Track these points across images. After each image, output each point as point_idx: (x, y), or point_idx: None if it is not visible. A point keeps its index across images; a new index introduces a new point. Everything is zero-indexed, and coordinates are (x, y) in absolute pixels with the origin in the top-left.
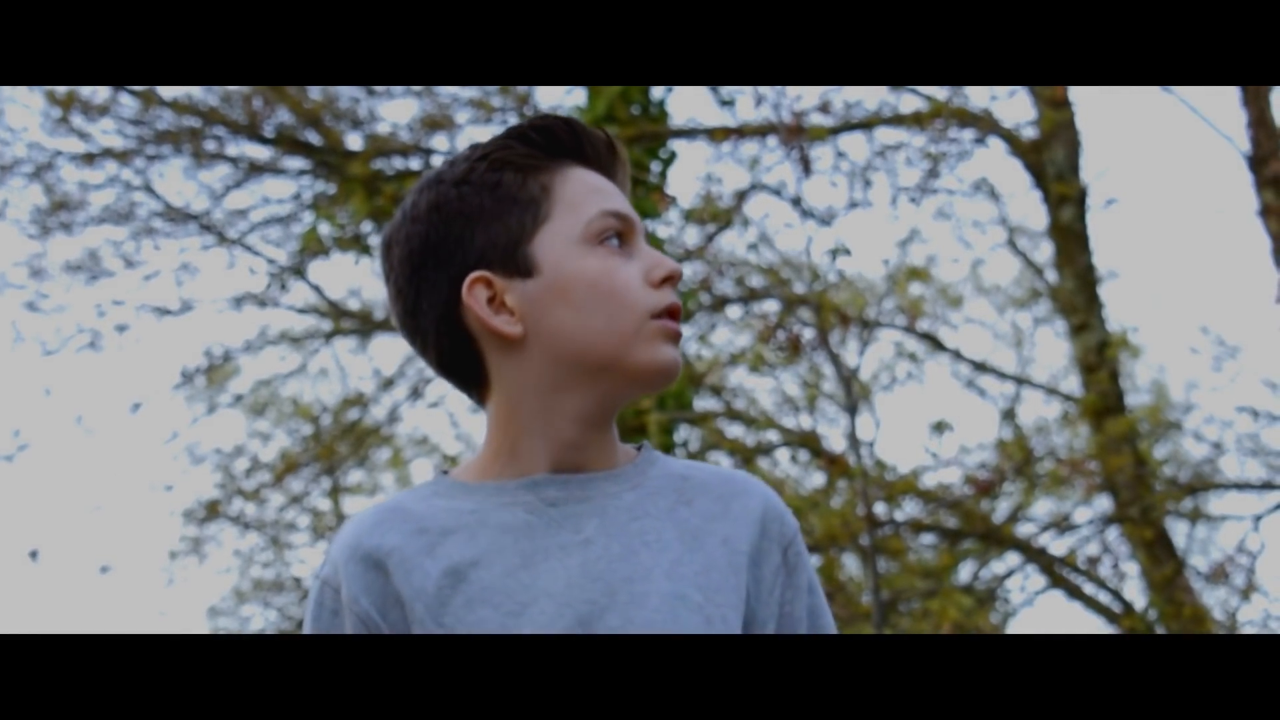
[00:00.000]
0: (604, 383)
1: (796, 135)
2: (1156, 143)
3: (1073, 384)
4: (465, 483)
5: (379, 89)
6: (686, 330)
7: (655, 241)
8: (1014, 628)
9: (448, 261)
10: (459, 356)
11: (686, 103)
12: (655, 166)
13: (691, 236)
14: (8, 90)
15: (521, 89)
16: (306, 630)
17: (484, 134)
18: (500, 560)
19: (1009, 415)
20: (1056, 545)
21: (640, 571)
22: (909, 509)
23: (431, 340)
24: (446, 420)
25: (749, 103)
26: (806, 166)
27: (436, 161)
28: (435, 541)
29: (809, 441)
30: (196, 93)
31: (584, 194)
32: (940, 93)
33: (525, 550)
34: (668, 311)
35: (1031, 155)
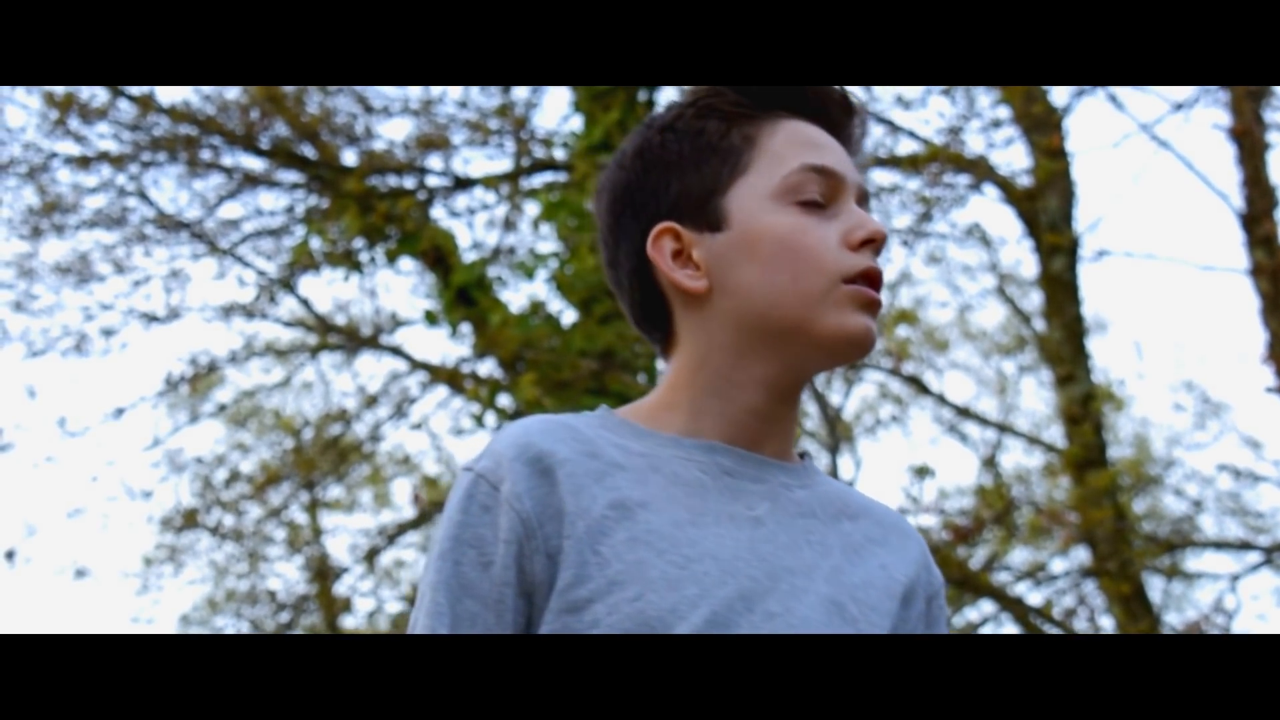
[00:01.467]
0: (790, 349)
1: None
2: (1150, 197)
3: (1055, 434)
4: (635, 425)
5: (376, 106)
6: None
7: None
8: None
9: (642, 210)
10: (651, 309)
11: None
12: None
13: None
14: (5, 90)
15: (520, 111)
16: (450, 524)
17: (478, 155)
18: (670, 509)
19: (990, 462)
20: (1033, 595)
21: (804, 567)
22: None
23: (626, 292)
24: (429, 442)
25: None
26: None
27: (431, 182)
28: (605, 470)
29: None
30: (194, 101)
31: (790, 147)
32: (937, 137)
33: (695, 507)
34: (864, 276)
35: (1025, 203)
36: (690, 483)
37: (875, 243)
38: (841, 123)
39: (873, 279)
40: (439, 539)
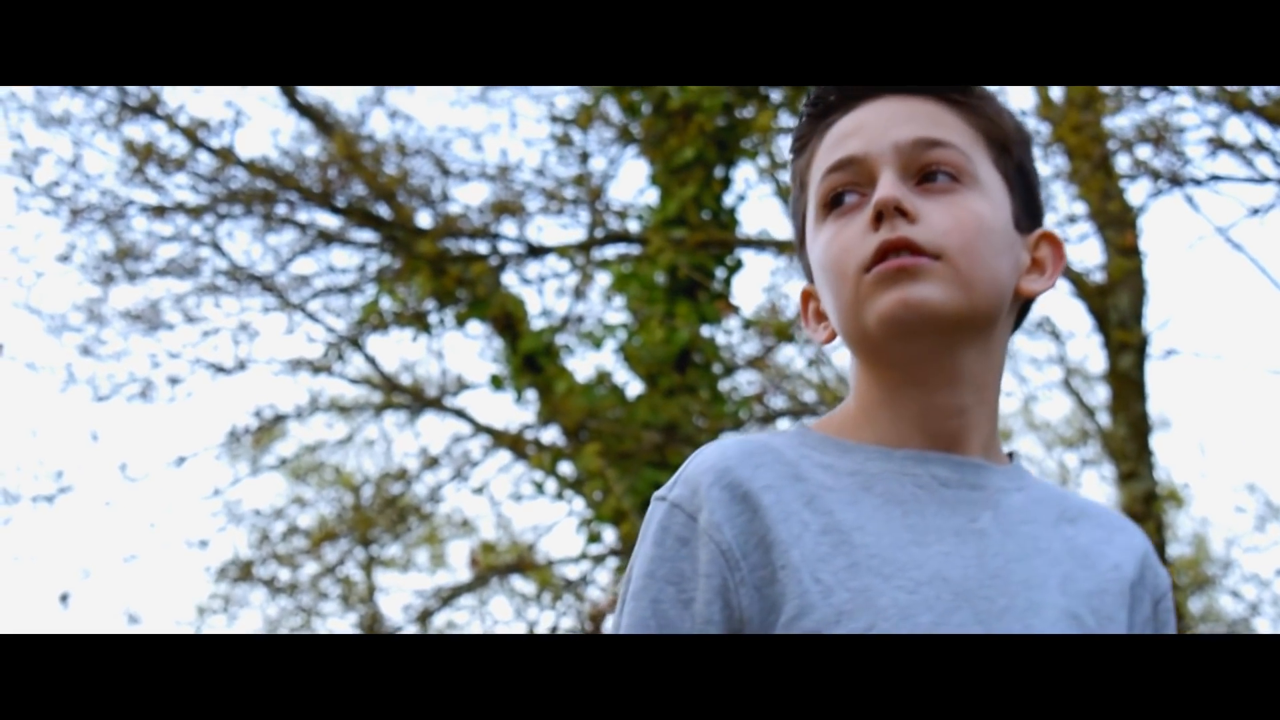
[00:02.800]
0: (878, 354)
1: None
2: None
3: None
4: (840, 440)
5: (453, 170)
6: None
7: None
8: None
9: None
10: None
11: (758, 212)
12: (720, 273)
13: (751, 347)
14: (85, 132)
15: (596, 181)
16: (645, 559)
17: (552, 223)
18: (889, 531)
19: None
20: None
21: (1037, 578)
22: None
23: None
24: (488, 506)
25: None
26: None
27: (504, 248)
28: (813, 493)
29: None
30: (273, 156)
31: (823, 158)
32: None
33: (916, 526)
34: (878, 255)
35: (1096, 299)
36: (907, 499)
37: (883, 213)
38: (870, 98)
39: (887, 250)
40: (634, 576)
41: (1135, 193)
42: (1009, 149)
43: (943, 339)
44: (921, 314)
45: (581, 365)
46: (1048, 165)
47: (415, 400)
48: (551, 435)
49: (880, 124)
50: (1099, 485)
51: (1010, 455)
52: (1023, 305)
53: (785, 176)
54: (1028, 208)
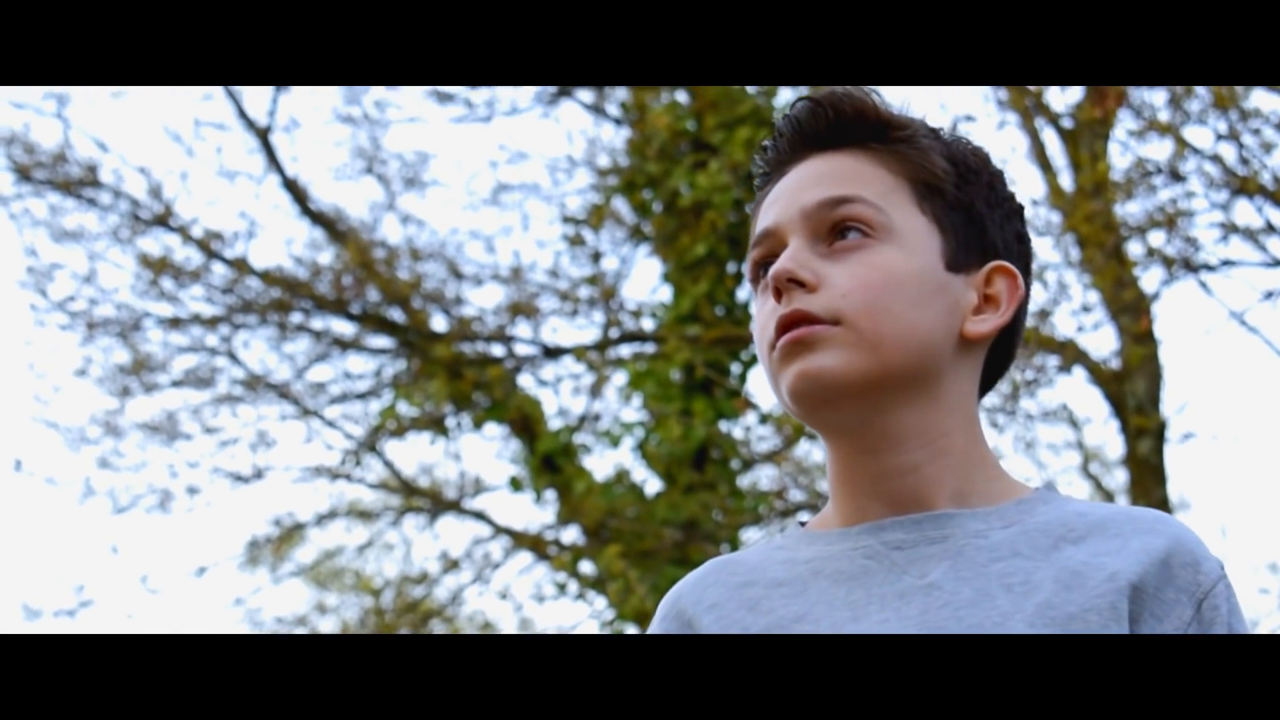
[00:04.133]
0: (817, 431)
1: None
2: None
3: None
4: (811, 531)
5: (467, 273)
6: (755, 534)
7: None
8: None
9: None
10: None
11: None
12: (736, 369)
13: (769, 442)
14: (100, 246)
15: (609, 281)
16: None
17: (567, 324)
18: (829, 613)
19: None
20: None
21: (994, 618)
22: None
23: None
24: (510, 608)
25: None
26: None
27: (519, 350)
28: (761, 596)
29: None
30: (286, 265)
31: (755, 229)
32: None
33: (857, 600)
34: (780, 329)
35: (1112, 385)
36: (854, 575)
37: (777, 287)
38: (798, 153)
39: (785, 325)
40: None
41: (1149, 279)
42: (939, 188)
43: (863, 404)
44: (821, 384)
45: (600, 464)
46: (1057, 253)
47: (434, 503)
48: (572, 535)
49: (793, 190)
50: None
51: (1043, 486)
52: (998, 344)
53: None
54: (969, 245)
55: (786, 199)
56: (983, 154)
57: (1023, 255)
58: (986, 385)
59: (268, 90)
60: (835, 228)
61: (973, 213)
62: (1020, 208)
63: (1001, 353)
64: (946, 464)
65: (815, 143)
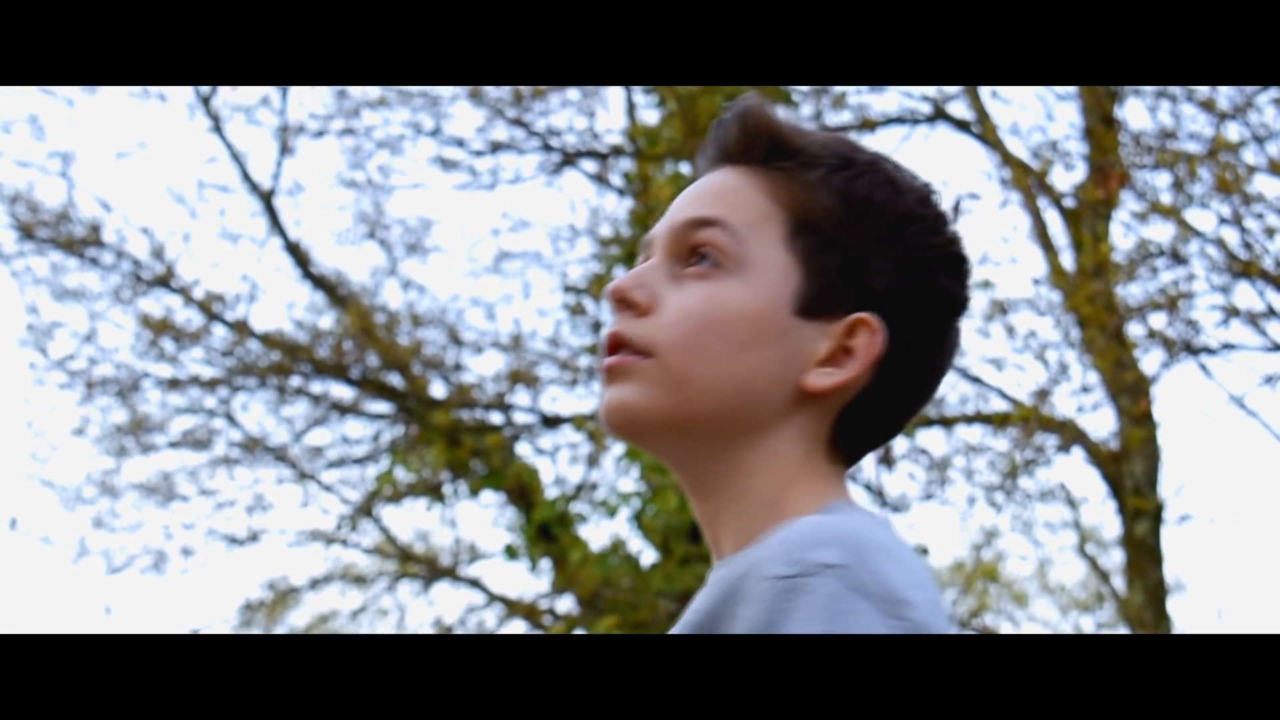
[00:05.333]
0: None
1: None
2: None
3: None
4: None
5: (467, 340)
6: None
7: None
8: None
9: None
10: None
11: None
12: None
13: None
14: (101, 306)
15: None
16: None
17: (563, 394)
18: None
19: None
20: None
21: None
22: None
23: None
24: None
25: None
26: (889, 460)
27: (518, 418)
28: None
29: None
30: (287, 328)
31: None
32: (1026, 398)
33: None
34: (605, 352)
35: (1110, 466)
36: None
37: (612, 305)
38: (718, 155)
39: (607, 348)
40: None
41: (1149, 361)
42: (816, 225)
43: (669, 444)
44: (618, 419)
45: (596, 534)
46: (1057, 333)
47: (429, 570)
48: (566, 604)
49: (678, 203)
50: None
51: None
52: (865, 403)
53: None
54: (836, 290)
55: (671, 210)
56: (906, 194)
57: (930, 310)
58: (861, 444)
59: (271, 154)
60: (692, 250)
61: (851, 256)
62: (951, 258)
63: (872, 412)
64: (740, 510)
65: (725, 155)
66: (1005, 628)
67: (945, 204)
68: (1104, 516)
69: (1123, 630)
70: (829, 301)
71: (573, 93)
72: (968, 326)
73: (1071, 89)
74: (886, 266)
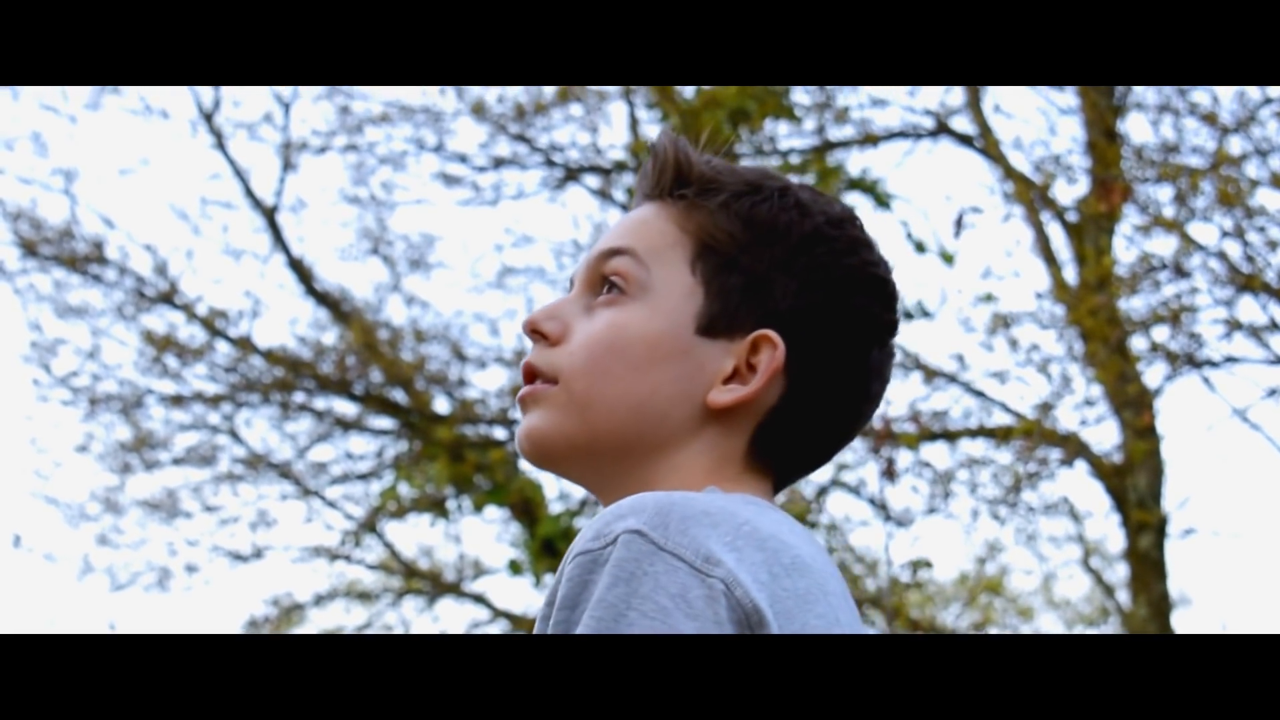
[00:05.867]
0: None
1: (886, 441)
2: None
3: None
4: None
5: (470, 355)
6: None
7: None
8: None
9: None
10: None
11: None
12: None
13: None
14: (104, 323)
15: None
16: None
17: None
18: None
19: None
20: None
21: None
22: None
23: None
24: None
25: None
26: (891, 474)
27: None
28: None
29: None
30: (290, 345)
31: None
32: (1030, 412)
33: None
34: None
35: (1114, 479)
36: None
37: (528, 335)
38: (642, 190)
39: (523, 378)
40: None
41: (1152, 375)
42: (718, 248)
43: (581, 467)
44: (529, 445)
45: None
46: (1060, 346)
47: (433, 586)
48: None
49: (601, 237)
50: None
51: None
52: (780, 418)
53: None
54: (740, 310)
55: (593, 245)
56: (814, 216)
57: (840, 328)
58: (785, 462)
59: (274, 170)
60: (603, 280)
61: (754, 276)
62: (867, 280)
63: (790, 429)
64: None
65: (643, 191)
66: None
67: (866, 230)
68: (1108, 530)
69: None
70: (732, 321)
71: (575, 108)
72: (971, 341)
73: (1074, 103)
74: (790, 286)
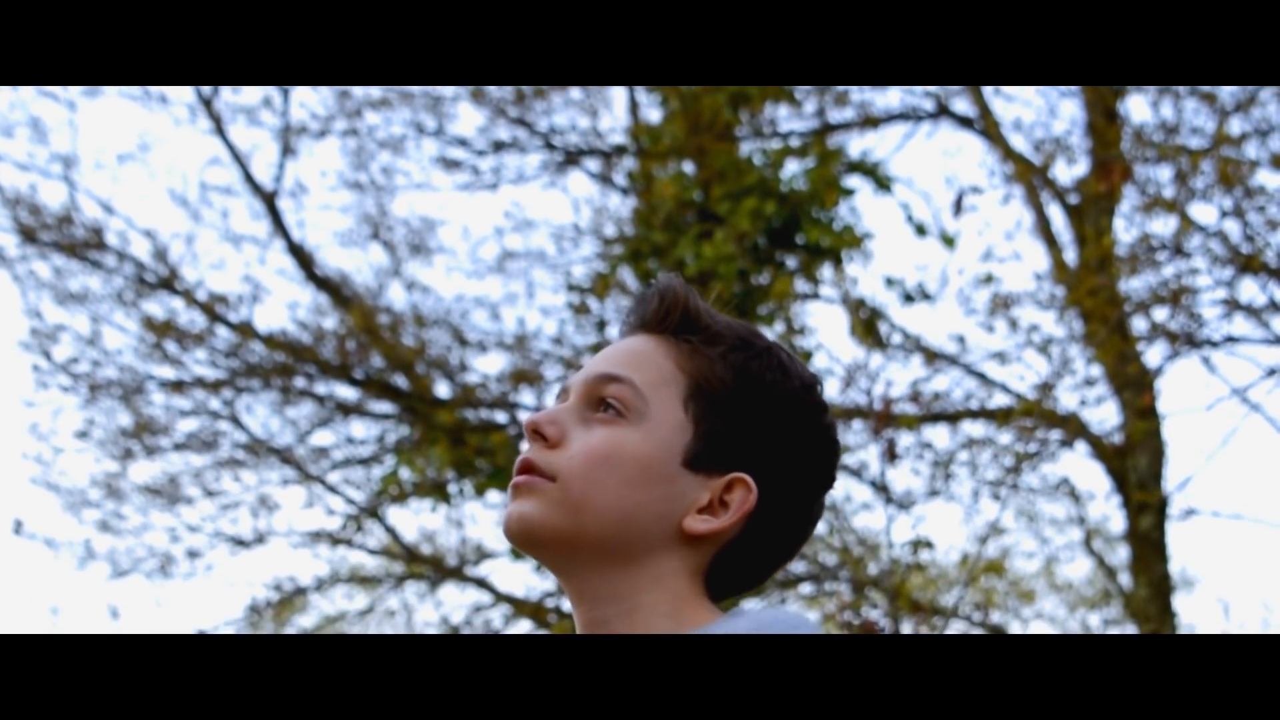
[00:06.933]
0: None
1: (887, 423)
2: (1240, 456)
3: None
4: None
5: (471, 340)
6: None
7: None
8: None
9: None
10: None
11: None
12: None
13: None
14: (104, 309)
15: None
16: None
17: None
18: None
19: None
20: None
21: None
22: None
23: None
24: None
25: (836, 384)
26: (892, 455)
27: (522, 416)
28: None
29: None
30: (291, 329)
31: None
32: (1030, 392)
33: None
34: (516, 472)
35: (1115, 460)
36: None
37: (527, 435)
38: (636, 323)
39: (518, 469)
40: None
41: (1152, 355)
42: (711, 392)
43: (561, 557)
44: (518, 529)
45: None
46: (1060, 327)
47: (436, 570)
48: None
49: (595, 359)
50: None
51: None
52: (740, 550)
53: (804, 342)
54: (721, 450)
55: (589, 364)
56: (794, 379)
57: (800, 482)
58: (725, 586)
59: (274, 155)
60: (600, 400)
61: (738, 423)
62: (826, 443)
63: (739, 560)
64: (636, 620)
65: (643, 324)
66: (1014, 626)
67: (824, 394)
68: (1109, 511)
69: (1130, 628)
70: (713, 458)
71: (575, 92)
72: (971, 322)
73: (1073, 85)
74: (768, 438)
